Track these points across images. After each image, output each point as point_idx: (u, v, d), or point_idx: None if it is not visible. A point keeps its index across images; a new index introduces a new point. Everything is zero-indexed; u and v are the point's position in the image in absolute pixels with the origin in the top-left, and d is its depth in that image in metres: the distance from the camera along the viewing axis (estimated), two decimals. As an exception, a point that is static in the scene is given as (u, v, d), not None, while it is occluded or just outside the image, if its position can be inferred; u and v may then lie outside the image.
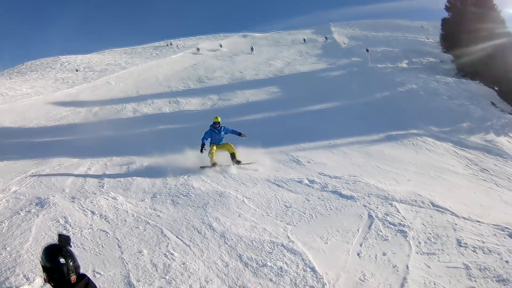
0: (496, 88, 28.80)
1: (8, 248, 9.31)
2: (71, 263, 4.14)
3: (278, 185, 12.97)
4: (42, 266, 4.21)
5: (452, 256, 7.90)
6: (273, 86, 34.21)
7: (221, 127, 16.43)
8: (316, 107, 25.73)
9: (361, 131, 19.97)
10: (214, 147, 16.12)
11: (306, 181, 13.04)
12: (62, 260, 4.10)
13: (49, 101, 36.71)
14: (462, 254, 7.97)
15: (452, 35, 38.70)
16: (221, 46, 68.44)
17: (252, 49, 61.99)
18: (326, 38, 61.65)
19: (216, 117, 16.64)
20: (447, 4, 40.99)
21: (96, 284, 4.44)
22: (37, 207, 11.96)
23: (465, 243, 8.34)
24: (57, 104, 34.99)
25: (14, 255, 8.94)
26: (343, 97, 27.43)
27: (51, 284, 4.18)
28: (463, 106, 23.84)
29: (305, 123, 22.31)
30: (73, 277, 4.14)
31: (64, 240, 4.27)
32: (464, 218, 9.64)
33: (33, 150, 20.95)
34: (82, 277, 4.28)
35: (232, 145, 16.30)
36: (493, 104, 25.61)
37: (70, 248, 4.28)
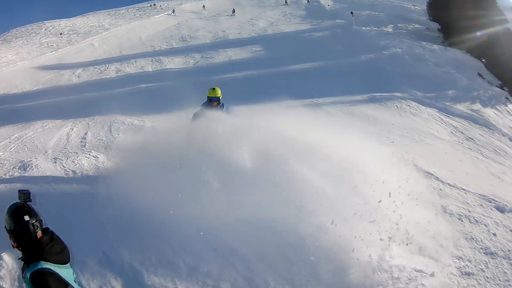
0: (483, 60, 27.93)
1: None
2: (34, 220, 4.10)
3: None
4: (8, 230, 4.12)
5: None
6: (256, 45, 33.85)
7: (221, 104, 11.01)
8: (299, 66, 25.41)
9: (344, 91, 19.70)
10: None
11: None
12: (26, 218, 4.06)
13: (33, 66, 36.40)
14: (449, 223, 7.99)
15: (440, 2, 37.87)
16: (204, 7, 66.19)
17: (233, 11, 59.63)
18: (308, 0, 59.44)
19: (214, 89, 10.83)
20: None
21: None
22: (19, 171, 12.03)
23: (451, 210, 8.38)
24: (41, 69, 34.71)
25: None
26: (326, 57, 27.08)
27: (19, 249, 4.15)
28: (449, 74, 23.38)
29: (288, 82, 22.06)
30: (39, 233, 4.12)
31: (24, 195, 4.22)
32: (449, 184, 9.64)
33: (17, 115, 20.84)
34: (46, 231, 4.28)
35: None
36: (480, 75, 25.01)
37: (30, 203, 4.26)
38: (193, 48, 35.48)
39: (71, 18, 73.19)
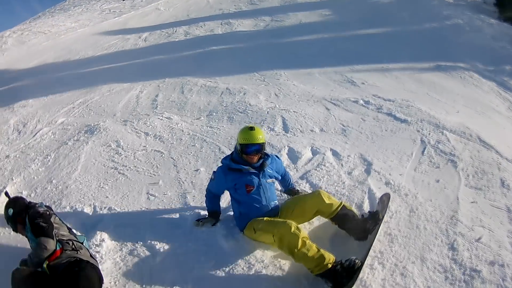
0: None
1: (54, 181, 9.20)
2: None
3: (334, 104, 12.77)
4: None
5: (496, 196, 7.56)
6: (325, 9, 32.68)
7: (266, 158, 6.52)
8: (367, 31, 24.65)
9: (411, 58, 19.22)
10: (262, 224, 5.99)
11: (362, 102, 12.81)
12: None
13: (95, 32, 36.38)
14: (505, 196, 7.59)
15: None
16: None
17: None
18: None
19: (252, 130, 6.34)
20: None
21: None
22: (86, 135, 11.87)
23: (508, 185, 7.93)
24: (104, 34, 34.56)
25: (60, 187, 8.84)
26: (392, 24, 26.32)
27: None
28: (506, 49, 22.24)
29: (357, 46, 21.59)
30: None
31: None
32: (507, 159, 9.19)
33: (80, 81, 20.47)
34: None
35: (323, 192, 6.30)
36: None
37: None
38: (263, 11, 34.71)
39: (133, -18, 73.67)
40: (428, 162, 8.66)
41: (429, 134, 10.08)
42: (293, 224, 5.55)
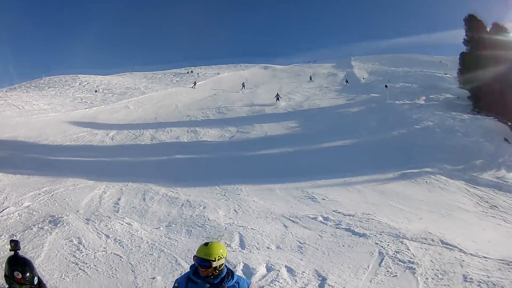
0: (510, 124, 29.14)
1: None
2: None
3: (293, 221, 13.23)
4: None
5: (458, 292, 8.36)
6: (291, 120, 34.62)
7: (229, 279, 5.34)
8: (334, 143, 26.07)
9: (377, 169, 20.26)
10: None
11: (321, 218, 13.36)
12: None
13: (66, 119, 37.09)
14: None
15: (470, 69, 39.35)
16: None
17: (243, 85, 59.93)
18: (347, 81, 58.16)
19: (206, 244, 5.23)
20: (465, 37, 41.69)
21: None
22: (50, 225, 12.36)
23: (471, 278, 8.85)
24: (74, 124, 35.38)
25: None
26: (360, 134, 27.89)
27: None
28: (477, 143, 24.41)
29: (322, 160, 22.61)
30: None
31: (14, 244, 5.01)
32: (471, 254, 10.14)
33: (47, 167, 21.33)
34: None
35: None
36: (506, 140, 25.99)
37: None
38: (229, 121, 36.04)
39: (106, 76, 74.80)
40: (385, 273, 9.31)
41: (388, 245, 10.81)
42: None
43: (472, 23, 41.04)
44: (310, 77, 65.98)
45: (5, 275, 4.68)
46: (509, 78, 33.76)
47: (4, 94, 48.35)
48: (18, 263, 4.77)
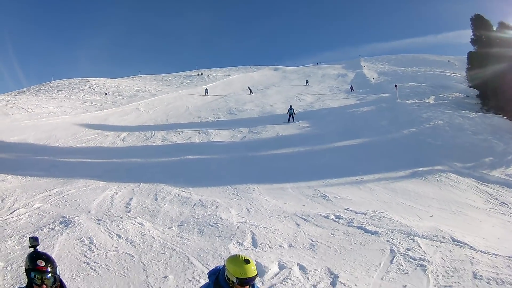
0: None
1: (28, 264, 9.73)
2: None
3: (305, 220, 13.23)
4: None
5: (468, 288, 8.44)
6: (303, 121, 34.87)
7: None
8: (345, 143, 26.26)
9: (388, 167, 20.28)
10: None
11: (333, 216, 13.37)
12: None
13: (76, 122, 37.34)
14: (477, 286, 8.52)
15: (478, 68, 39.89)
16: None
17: (250, 90, 58.47)
18: (352, 88, 55.29)
19: (248, 263, 4.92)
20: (473, 37, 42.33)
21: None
22: (61, 226, 12.43)
23: (480, 275, 8.89)
24: (84, 126, 35.57)
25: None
26: (371, 133, 28.02)
27: None
28: (487, 141, 24.42)
29: (333, 159, 22.69)
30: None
31: (33, 240, 5.09)
32: (481, 251, 10.20)
33: (58, 169, 21.41)
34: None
35: None
36: None
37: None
38: (241, 122, 36.32)
39: (116, 79, 75.18)
40: (396, 270, 9.34)
41: (399, 243, 10.85)
42: None
43: (478, 22, 41.71)
44: (307, 80, 66.19)
45: (26, 269, 4.57)
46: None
47: (12, 98, 48.72)
48: (40, 255, 4.71)
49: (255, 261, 9.74)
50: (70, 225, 12.35)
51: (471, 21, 42.13)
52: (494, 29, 40.51)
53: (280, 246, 11.14)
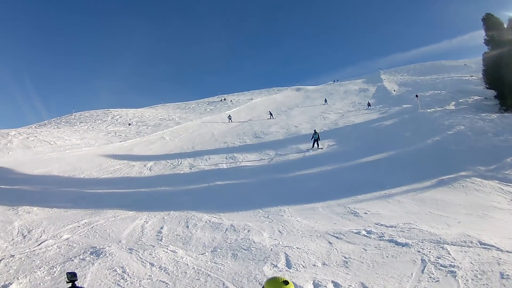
0: None
1: (60, 294, 9.61)
2: None
3: (337, 237, 13.14)
4: None
5: (496, 289, 8.55)
6: (328, 139, 34.82)
7: None
8: (371, 157, 26.13)
9: (415, 178, 20.24)
10: None
11: (364, 232, 13.29)
12: None
13: (101, 153, 37.69)
14: (504, 286, 8.61)
15: (493, 68, 40.22)
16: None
17: (271, 114, 57.29)
18: (369, 104, 55.38)
19: (286, 284, 4.86)
20: (485, 37, 42.47)
21: None
22: (92, 256, 12.37)
23: (507, 275, 8.99)
24: (109, 157, 35.88)
25: (67, 302, 9.26)
26: (396, 146, 28.01)
27: None
28: (507, 141, 24.28)
29: (360, 175, 22.61)
30: None
31: (71, 276, 5.14)
32: (507, 251, 10.28)
33: (85, 200, 21.49)
34: None
35: None
36: None
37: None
38: (267, 145, 36.37)
39: (138, 109, 75.97)
40: (427, 279, 9.30)
41: (430, 252, 10.82)
42: None
43: (490, 22, 42.05)
44: (325, 99, 66.35)
45: None
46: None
47: (33, 130, 49.42)
48: None
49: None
50: (101, 255, 12.28)
51: (483, 21, 42.55)
52: (505, 26, 40.64)
53: (314, 265, 11.02)
